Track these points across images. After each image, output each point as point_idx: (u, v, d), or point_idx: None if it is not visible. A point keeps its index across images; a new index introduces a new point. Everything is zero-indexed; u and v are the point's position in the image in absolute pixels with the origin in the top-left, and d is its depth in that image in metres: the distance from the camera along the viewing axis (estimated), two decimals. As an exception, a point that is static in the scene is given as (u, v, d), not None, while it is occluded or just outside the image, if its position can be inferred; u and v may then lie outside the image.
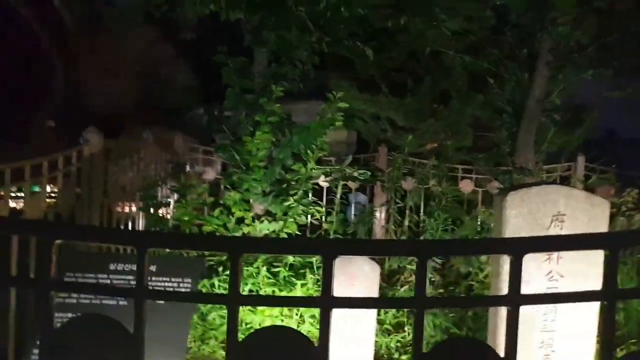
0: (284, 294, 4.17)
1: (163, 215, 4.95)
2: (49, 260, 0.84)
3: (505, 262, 2.82)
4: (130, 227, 4.76)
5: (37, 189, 3.60)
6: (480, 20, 7.00)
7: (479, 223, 5.51)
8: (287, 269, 4.33)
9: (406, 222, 5.67)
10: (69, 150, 3.39)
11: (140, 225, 4.86)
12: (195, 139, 7.07)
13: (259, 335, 0.94)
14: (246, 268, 4.27)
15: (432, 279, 4.68)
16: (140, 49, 12.03)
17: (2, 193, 2.77)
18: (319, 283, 4.29)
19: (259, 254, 1.30)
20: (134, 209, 4.88)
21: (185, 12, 5.34)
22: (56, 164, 3.29)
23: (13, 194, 3.23)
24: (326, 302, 0.85)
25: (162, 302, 2.46)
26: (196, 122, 10.79)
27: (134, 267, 2.53)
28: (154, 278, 2.49)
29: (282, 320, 4.08)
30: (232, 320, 0.86)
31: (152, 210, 4.59)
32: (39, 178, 3.12)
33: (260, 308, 3.94)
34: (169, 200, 5.32)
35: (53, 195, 3.54)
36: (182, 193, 4.58)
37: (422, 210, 5.74)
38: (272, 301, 1.04)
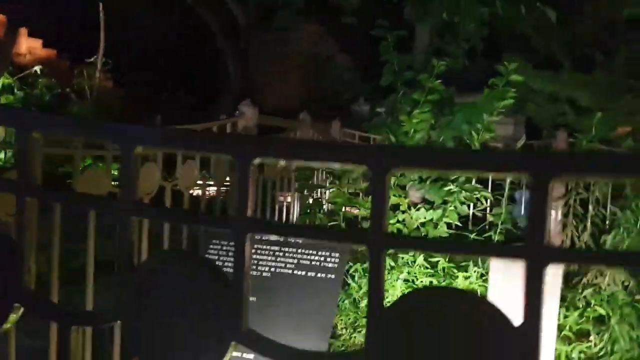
0: (443, 285, 3.81)
1: (318, 198, 4.96)
2: (133, 176, 0.66)
3: None
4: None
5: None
6: None
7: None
8: (446, 260, 3.98)
9: (589, 217, 4.79)
10: (223, 120, 3.47)
11: (296, 206, 4.92)
12: (358, 130, 7.01)
13: (416, 298, 0.59)
14: (401, 256, 4.01)
15: (626, 284, 3.85)
16: (305, 44, 12.52)
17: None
18: (483, 278, 3.85)
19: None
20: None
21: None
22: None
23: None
24: (538, 254, 0.51)
25: (309, 276, 2.34)
26: (359, 114, 10.86)
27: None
28: (300, 250, 2.37)
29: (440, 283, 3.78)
30: (375, 269, 0.56)
31: (306, 191, 4.60)
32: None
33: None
34: (324, 184, 5.31)
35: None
36: (337, 176, 4.50)
37: (610, 203, 4.80)
38: (434, 246, 0.63)
